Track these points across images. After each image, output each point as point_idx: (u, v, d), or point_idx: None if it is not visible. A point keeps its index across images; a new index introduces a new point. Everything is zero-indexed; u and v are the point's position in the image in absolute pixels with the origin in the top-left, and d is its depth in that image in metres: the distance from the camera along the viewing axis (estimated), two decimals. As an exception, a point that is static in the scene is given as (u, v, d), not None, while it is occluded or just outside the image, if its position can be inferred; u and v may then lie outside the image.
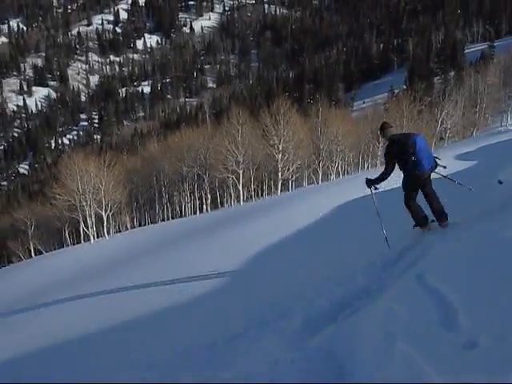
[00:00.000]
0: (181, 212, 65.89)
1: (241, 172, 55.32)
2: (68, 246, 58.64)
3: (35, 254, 61.46)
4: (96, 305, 13.86)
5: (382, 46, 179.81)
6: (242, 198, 57.96)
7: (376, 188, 9.77)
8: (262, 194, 66.52)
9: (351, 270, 8.16)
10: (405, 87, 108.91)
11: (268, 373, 5.15)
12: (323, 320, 6.36)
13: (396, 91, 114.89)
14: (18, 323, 15.18)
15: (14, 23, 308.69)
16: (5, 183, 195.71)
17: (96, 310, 12.96)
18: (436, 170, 9.19)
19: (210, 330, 7.78)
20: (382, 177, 9.33)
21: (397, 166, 9.13)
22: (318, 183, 62.42)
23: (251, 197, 64.59)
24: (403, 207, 9.16)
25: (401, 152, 8.84)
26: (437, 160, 9.07)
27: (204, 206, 63.41)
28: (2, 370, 9.99)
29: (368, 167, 75.01)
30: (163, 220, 64.01)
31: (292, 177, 61.03)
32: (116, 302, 13.29)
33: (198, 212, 62.73)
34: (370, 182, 9.60)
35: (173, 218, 63.04)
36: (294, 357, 5.37)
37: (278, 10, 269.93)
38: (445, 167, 9.57)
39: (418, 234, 9.00)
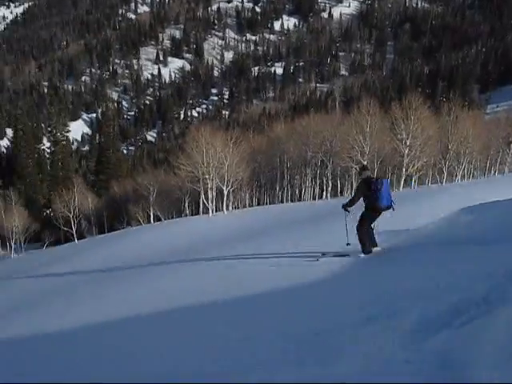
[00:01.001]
0: (300, 196, 65.78)
1: (365, 163, 54.54)
2: (186, 216, 59.80)
3: (154, 220, 63.02)
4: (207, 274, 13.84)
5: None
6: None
7: (347, 211, 12.54)
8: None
9: (469, 276, 7.77)
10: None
11: (379, 371, 4.89)
12: (438, 323, 6.06)
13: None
14: (154, 277, 15.39)
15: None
16: (132, 148, 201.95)
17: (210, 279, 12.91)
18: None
19: (318, 320, 7.51)
20: (350, 204, 12.42)
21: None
22: (441, 183, 60.81)
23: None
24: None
25: (370, 189, 11.79)
26: (393, 202, 11.94)
27: (324, 193, 63.13)
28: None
29: (495, 172, 72.59)
30: (281, 201, 64.14)
31: (416, 173, 59.68)
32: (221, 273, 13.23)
33: (317, 198, 62.51)
34: (343, 206, 12.64)
35: (291, 201, 63.03)
36: (408, 357, 5.10)
37: (419, 3, 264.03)
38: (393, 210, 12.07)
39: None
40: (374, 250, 12.11)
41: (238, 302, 9.95)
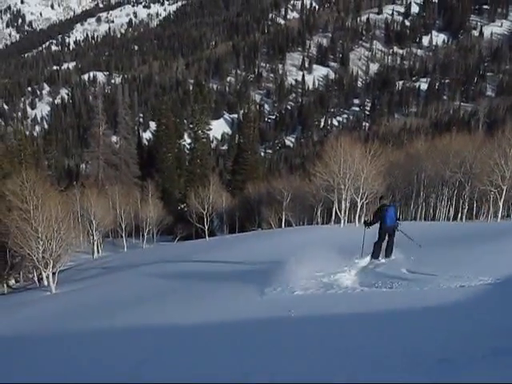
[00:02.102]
0: (434, 215, 64.65)
1: (505, 188, 52.72)
2: (317, 223, 59.93)
3: (285, 225, 63.50)
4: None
5: None
6: (499, 214, 55.44)
7: (368, 227, 17.24)
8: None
9: None
10: None
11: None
12: None
13: None
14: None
15: (307, 1, 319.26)
16: (269, 151, 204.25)
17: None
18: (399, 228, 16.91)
19: (447, 347, 7.42)
20: (371, 223, 17.35)
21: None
22: None
23: (509, 215, 61.81)
24: None
25: (382, 213, 16.66)
26: (398, 222, 16.97)
27: (459, 215, 61.67)
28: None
29: None
30: (414, 219, 63.24)
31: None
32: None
33: (451, 219, 61.21)
34: (366, 224, 17.56)
35: (425, 219, 62.09)
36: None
37: None
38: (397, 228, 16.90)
39: None
40: (381, 259, 16.78)
41: (367, 321, 10.02)
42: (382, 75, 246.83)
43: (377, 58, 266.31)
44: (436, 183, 63.17)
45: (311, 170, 55.05)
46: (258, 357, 8.66)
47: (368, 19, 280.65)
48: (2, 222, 34.34)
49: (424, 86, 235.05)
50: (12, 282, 49.39)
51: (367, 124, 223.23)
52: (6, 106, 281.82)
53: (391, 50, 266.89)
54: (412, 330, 8.91)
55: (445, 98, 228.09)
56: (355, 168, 47.32)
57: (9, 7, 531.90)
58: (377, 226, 16.97)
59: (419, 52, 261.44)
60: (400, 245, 16.97)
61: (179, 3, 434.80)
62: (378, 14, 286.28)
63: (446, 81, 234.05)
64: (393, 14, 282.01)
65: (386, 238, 16.75)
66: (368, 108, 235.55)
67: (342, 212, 48.69)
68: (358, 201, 48.67)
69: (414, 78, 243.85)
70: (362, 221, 18.83)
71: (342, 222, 48.42)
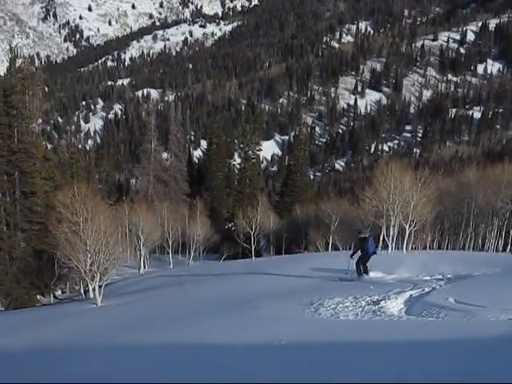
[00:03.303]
0: (483, 245, 63.77)
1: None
2: (364, 249, 59.65)
3: (332, 249, 63.32)
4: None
5: None
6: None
7: (352, 258, 22.45)
8: None
9: None
10: None
11: None
12: None
13: None
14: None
15: (362, 25, 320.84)
16: (319, 174, 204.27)
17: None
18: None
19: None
20: (353, 254, 22.64)
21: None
22: None
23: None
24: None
25: (362, 244, 22.16)
26: (377, 251, 23.11)
27: (508, 246, 60.80)
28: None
29: None
30: (463, 248, 62.45)
31: None
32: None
33: (500, 250, 60.33)
34: (351, 255, 22.69)
35: (473, 249, 61.28)
36: None
37: None
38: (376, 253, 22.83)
39: None
40: (365, 276, 21.76)
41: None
42: (435, 102, 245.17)
43: (430, 85, 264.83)
44: (486, 213, 62.31)
45: (360, 195, 54.75)
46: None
47: (423, 45, 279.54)
48: (51, 233, 34.91)
49: (477, 115, 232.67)
50: (58, 292, 50.16)
51: (418, 151, 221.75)
52: (60, 119, 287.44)
53: (445, 77, 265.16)
54: (460, 361, 8.92)
55: (498, 127, 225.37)
56: (405, 195, 47.03)
57: (67, 22, 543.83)
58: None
59: (473, 80, 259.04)
60: (449, 275, 16.85)
61: (235, 24, 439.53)
62: (433, 40, 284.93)
63: (500, 110, 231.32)
64: (448, 41, 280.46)
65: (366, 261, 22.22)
66: (419, 135, 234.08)
67: (390, 238, 48.40)
68: (407, 228, 48.35)
69: (467, 106, 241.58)
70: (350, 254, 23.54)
71: (390, 248, 48.15)
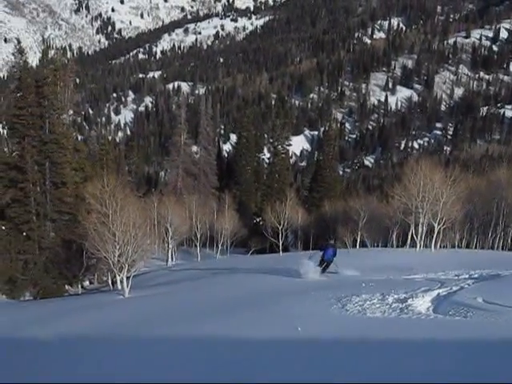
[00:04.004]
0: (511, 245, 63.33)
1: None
2: (392, 246, 59.45)
3: (359, 245, 63.20)
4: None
5: None
6: None
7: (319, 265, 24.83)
8: None
9: None
10: None
11: None
12: None
13: None
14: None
15: (394, 21, 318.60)
16: (348, 170, 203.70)
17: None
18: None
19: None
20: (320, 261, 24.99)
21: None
22: None
23: None
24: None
25: (324, 251, 24.99)
26: (334, 258, 24.94)
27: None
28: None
29: None
30: (492, 248, 61.99)
31: None
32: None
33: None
34: (320, 262, 24.95)
35: (502, 249, 60.82)
36: None
37: None
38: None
39: None
40: (321, 275, 24.38)
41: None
42: (467, 100, 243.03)
43: (462, 83, 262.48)
44: (515, 213, 61.85)
45: (389, 192, 54.61)
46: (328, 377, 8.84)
47: (455, 43, 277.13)
48: (80, 223, 35.28)
49: (509, 113, 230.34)
50: (86, 283, 50.59)
51: (448, 148, 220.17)
52: (91, 111, 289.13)
53: (477, 75, 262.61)
54: (487, 360, 8.97)
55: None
56: (434, 192, 46.74)
57: (100, 14, 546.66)
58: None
59: (506, 78, 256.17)
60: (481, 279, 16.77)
61: (266, 18, 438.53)
62: (466, 37, 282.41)
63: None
64: (481, 38, 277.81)
65: (324, 264, 24.91)
66: (450, 132, 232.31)
67: (419, 236, 48.19)
68: (436, 226, 48.09)
69: (499, 105, 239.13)
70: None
71: (418, 246, 47.95)
